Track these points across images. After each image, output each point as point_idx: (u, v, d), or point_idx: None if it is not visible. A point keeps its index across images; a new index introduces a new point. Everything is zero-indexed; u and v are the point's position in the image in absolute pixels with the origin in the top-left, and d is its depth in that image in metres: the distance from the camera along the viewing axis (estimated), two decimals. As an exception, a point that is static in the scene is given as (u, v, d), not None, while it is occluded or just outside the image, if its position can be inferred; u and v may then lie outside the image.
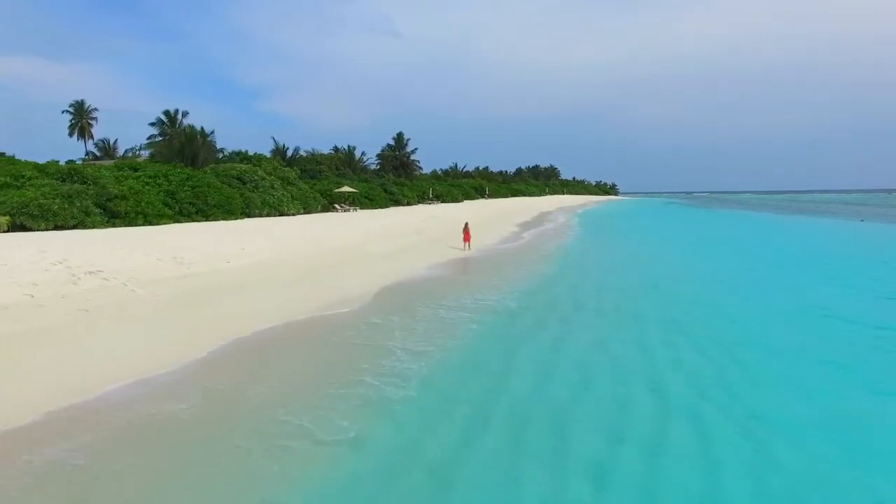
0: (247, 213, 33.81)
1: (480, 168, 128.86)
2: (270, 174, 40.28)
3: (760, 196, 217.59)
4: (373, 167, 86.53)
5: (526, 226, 41.66)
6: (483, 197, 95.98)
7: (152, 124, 57.83)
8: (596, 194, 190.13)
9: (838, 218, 52.28)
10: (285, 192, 38.04)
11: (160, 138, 57.29)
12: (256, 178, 36.39)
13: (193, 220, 28.22)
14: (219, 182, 32.63)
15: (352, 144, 73.52)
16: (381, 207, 54.13)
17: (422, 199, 69.74)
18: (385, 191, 60.67)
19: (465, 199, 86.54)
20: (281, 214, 36.06)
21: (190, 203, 28.30)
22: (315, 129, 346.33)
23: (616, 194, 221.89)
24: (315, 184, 50.83)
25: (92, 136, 68.97)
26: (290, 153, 54.21)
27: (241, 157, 46.84)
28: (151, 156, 43.47)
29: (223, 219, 30.14)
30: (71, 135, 69.00)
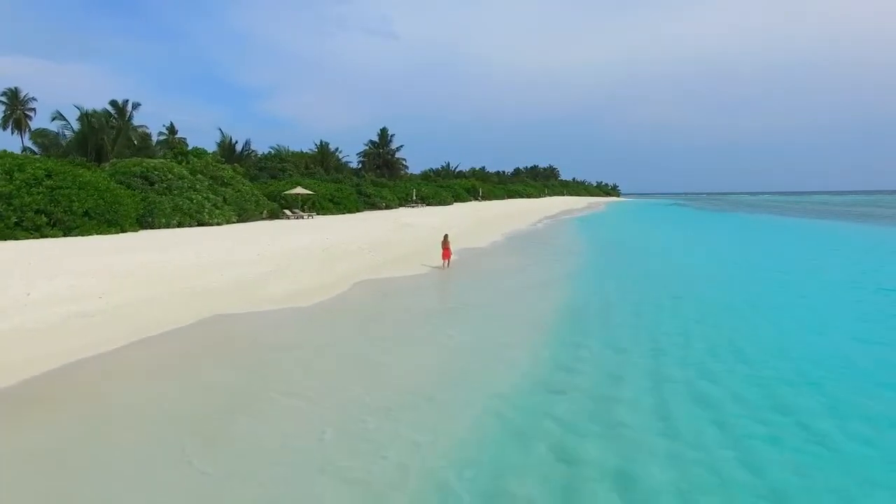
0: (148, 222, 25.47)
1: (476, 168, 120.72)
2: (199, 172, 31.98)
3: (765, 197, 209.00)
4: (353, 166, 78.48)
5: (511, 239, 33.37)
6: (476, 199, 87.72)
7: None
8: (597, 195, 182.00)
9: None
10: (212, 195, 29.66)
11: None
12: (170, 176, 28.01)
13: (43, 237, 19.88)
14: (110, 182, 24.31)
15: (325, 140, 65.13)
16: (350, 212, 45.84)
17: (404, 201, 61.41)
18: (359, 192, 52.35)
19: (456, 201, 78.28)
20: (200, 224, 27.72)
21: (39, 211, 19.90)
22: (314, 130, 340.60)
23: (618, 195, 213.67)
24: (268, 184, 42.62)
25: (29, 129, 60.34)
26: (239, 148, 45.58)
27: (175, 151, 38.52)
28: (45, 149, 34.98)
29: (100, 232, 21.80)
30: (4, 128, 60.37)
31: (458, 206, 68.14)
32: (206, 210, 28.05)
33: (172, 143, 53.33)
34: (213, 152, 41.04)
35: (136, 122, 52.26)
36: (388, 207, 55.32)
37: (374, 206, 53.28)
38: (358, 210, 47.85)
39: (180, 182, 28.27)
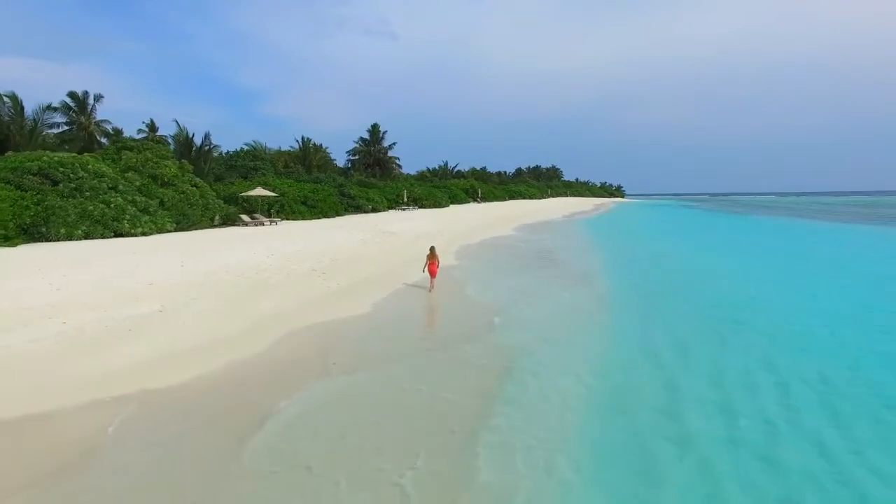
0: (42, 234, 19.58)
1: (476, 168, 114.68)
2: (131, 169, 26.13)
3: (770, 198, 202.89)
4: (345, 165, 72.71)
5: (511, 246, 27.40)
6: (475, 200, 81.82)
7: (54, 108, 44.23)
8: (600, 196, 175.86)
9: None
10: (140, 198, 23.74)
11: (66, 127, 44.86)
12: (82, 174, 22.10)
13: None
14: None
15: (307, 136, 59.25)
16: (327, 216, 39.91)
17: (395, 203, 55.47)
18: (342, 194, 46.42)
19: (454, 202, 72.34)
20: (118, 234, 21.82)
21: None
22: (313, 131, 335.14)
23: (622, 196, 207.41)
24: (233, 184, 36.78)
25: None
26: (199, 141, 39.57)
27: (121, 144, 32.63)
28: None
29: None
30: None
31: (454, 209, 62.25)
32: (128, 217, 22.11)
33: (149, 140, 48.10)
34: (157, 147, 35.08)
35: (103, 116, 46.94)
36: (374, 210, 49.44)
37: (358, 210, 47.39)
38: (337, 214, 41.92)
39: (97, 182, 22.38)
